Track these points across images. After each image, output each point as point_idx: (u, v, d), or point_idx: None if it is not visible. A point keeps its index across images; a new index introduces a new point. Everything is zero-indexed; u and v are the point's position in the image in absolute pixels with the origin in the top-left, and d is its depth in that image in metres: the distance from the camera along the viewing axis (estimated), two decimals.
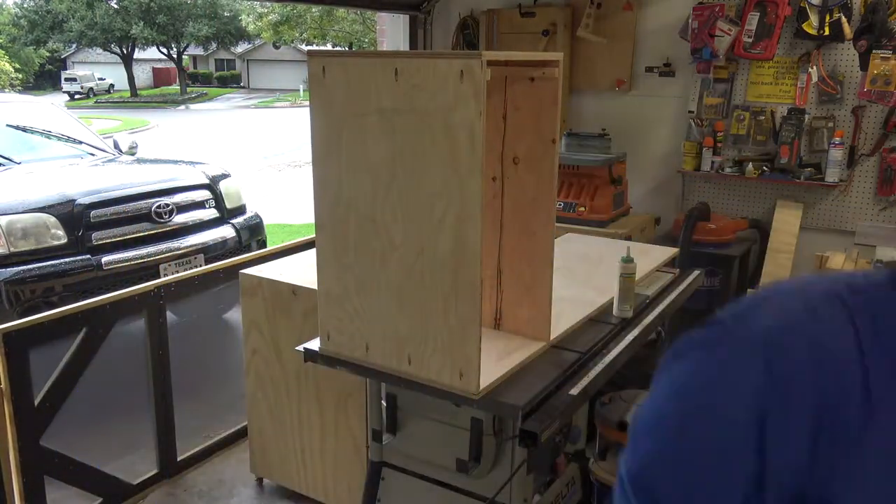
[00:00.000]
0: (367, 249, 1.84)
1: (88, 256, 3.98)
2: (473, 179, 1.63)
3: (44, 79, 40.73)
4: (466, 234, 1.67)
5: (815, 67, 3.74)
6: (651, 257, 2.85)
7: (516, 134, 2.01)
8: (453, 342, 1.75)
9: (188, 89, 37.91)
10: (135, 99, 35.71)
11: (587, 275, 2.64)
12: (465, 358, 1.74)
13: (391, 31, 5.15)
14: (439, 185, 1.68)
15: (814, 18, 3.63)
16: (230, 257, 3.91)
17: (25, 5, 32.78)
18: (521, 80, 1.96)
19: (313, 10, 21.40)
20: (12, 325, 2.56)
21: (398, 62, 1.68)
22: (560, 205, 3.96)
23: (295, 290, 2.77)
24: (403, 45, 4.94)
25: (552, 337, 2.08)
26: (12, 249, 3.78)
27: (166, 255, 4.26)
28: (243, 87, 42.91)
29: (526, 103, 1.97)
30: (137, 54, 36.82)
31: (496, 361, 1.89)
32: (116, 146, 5.61)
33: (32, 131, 5.30)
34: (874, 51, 3.48)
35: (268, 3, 26.04)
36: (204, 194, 4.72)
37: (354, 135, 1.79)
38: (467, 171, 1.64)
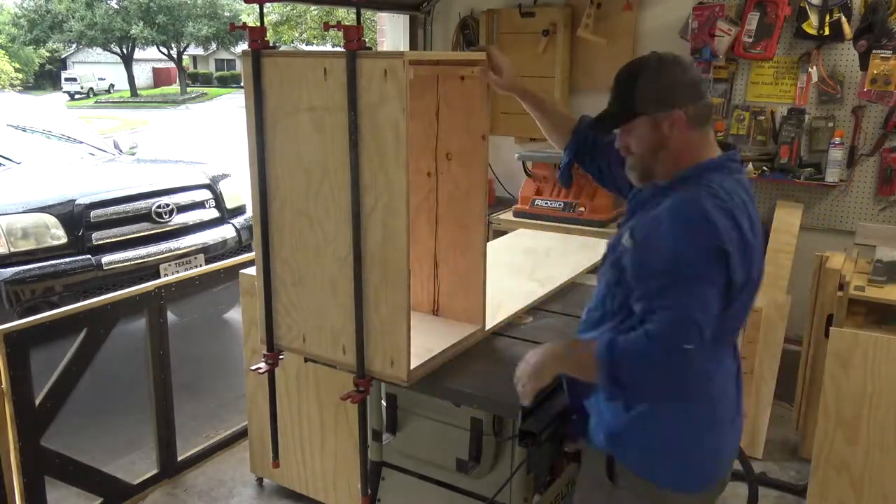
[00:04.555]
0: (303, 243, 1.89)
1: (88, 256, 3.98)
2: (399, 173, 1.68)
3: (44, 79, 40.70)
4: (394, 226, 1.72)
5: (815, 67, 3.74)
6: (598, 250, 2.92)
7: (449, 131, 2.08)
8: (385, 332, 1.80)
9: (188, 89, 37.88)
10: (135, 99, 35.69)
11: (532, 268, 2.74)
12: (396, 347, 1.79)
13: (391, 31, 5.15)
14: (368, 179, 1.73)
15: (814, 18, 3.63)
16: (230, 257, 3.91)
17: (25, 5, 32.74)
18: (452, 79, 2.02)
19: (313, 10, 21.40)
20: (13, 326, 2.56)
21: (327, 62, 1.73)
22: (560, 205, 3.96)
23: None
24: (403, 45, 4.94)
25: (490, 325, 2.16)
26: (12, 249, 3.78)
27: (166, 255, 4.26)
28: (244, 87, 42.88)
29: (457, 101, 2.04)
30: (137, 54, 36.79)
31: (428, 350, 1.94)
32: (116, 146, 5.61)
33: (32, 131, 5.31)
34: (874, 51, 3.48)
35: (268, 3, 26.02)
36: (204, 194, 4.72)
37: (287, 132, 1.84)
38: (394, 166, 1.69)
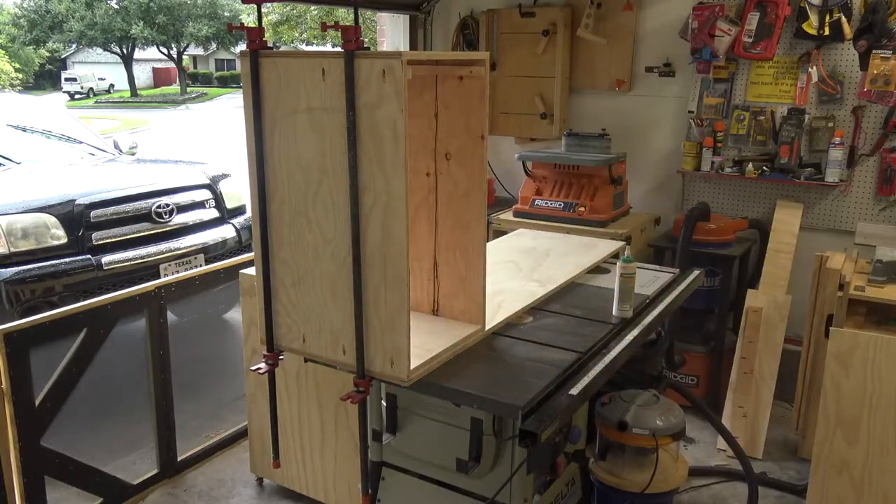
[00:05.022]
0: (302, 244, 1.90)
1: (88, 256, 3.98)
2: (398, 174, 1.68)
3: (44, 79, 40.71)
4: (393, 226, 1.72)
5: (815, 67, 3.74)
6: (597, 251, 2.97)
7: (448, 131, 2.08)
8: (384, 331, 1.80)
9: (188, 89, 37.88)
10: (135, 99, 35.69)
11: (531, 268, 2.74)
12: (396, 347, 1.79)
13: (391, 31, 5.15)
14: (366, 180, 1.73)
15: (814, 18, 3.63)
16: (230, 257, 3.91)
17: (25, 5, 32.73)
18: (450, 79, 2.02)
19: (313, 10, 21.40)
20: (13, 326, 2.56)
21: (325, 62, 1.73)
22: (560, 205, 3.96)
23: None
24: (403, 45, 4.94)
25: (489, 325, 2.16)
26: (12, 249, 3.78)
27: (166, 255, 4.27)
28: (242, 88, 42.83)
29: (456, 101, 2.04)
30: (137, 54, 36.79)
31: (428, 350, 1.94)
32: (117, 146, 5.61)
33: (32, 131, 5.31)
34: (874, 51, 3.48)
35: (268, 3, 26.01)
36: (204, 194, 4.72)
37: (286, 133, 1.85)
38: (392, 166, 1.69)
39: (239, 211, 4.95)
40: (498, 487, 1.95)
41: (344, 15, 21.88)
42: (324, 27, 1.82)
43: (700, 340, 3.93)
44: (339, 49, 1.76)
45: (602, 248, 3.00)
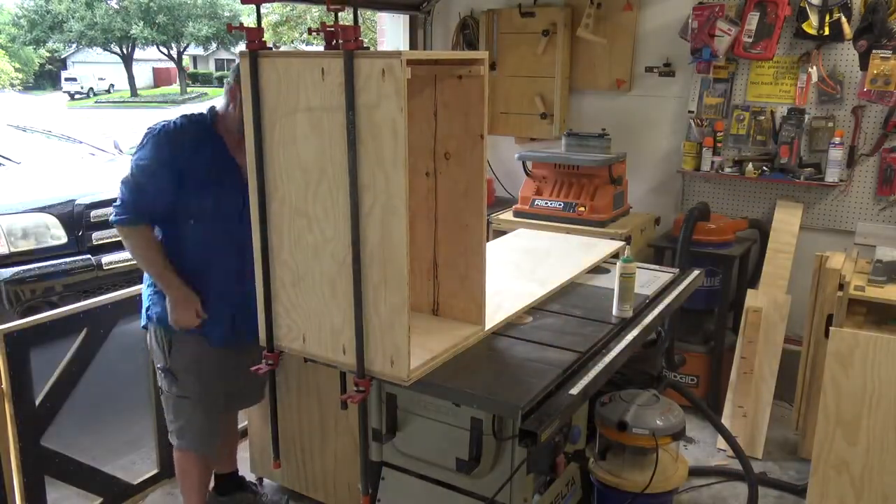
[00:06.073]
0: (302, 244, 1.90)
1: (88, 256, 3.98)
2: (398, 173, 1.68)
3: (44, 78, 40.68)
4: (393, 225, 1.72)
5: (815, 67, 3.74)
6: (597, 251, 2.97)
7: (447, 130, 2.08)
8: (384, 332, 1.80)
9: (188, 89, 37.85)
10: (135, 99, 35.67)
11: (532, 268, 2.74)
12: (395, 346, 1.79)
13: (391, 31, 5.15)
14: (366, 179, 1.73)
15: (814, 18, 3.63)
16: None
17: (25, 5, 32.71)
18: (449, 79, 2.02)
19: (313, 10, 21.40)
20: (13, 325, 2.56)
21: (325, 62, 1.73)
22: (560, 205, 3.96)
23: None
24: (403, 45, 4.94)
25: (489, 325, 2.16)
26: (12, 249, 3.78)
27: None
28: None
29: (455, 101, 2.04)
30: (137, 54, 36.77)
31: (428, 349, 1.94)
32: (117, 146, 5.62)
33: (33, 131, 5.31)
34: (874, 51, 3.48)
35: (267, 4, 25.99)
36: None
37: (286, 133, 1.85)
38: (391, 166, 1.69)
39: None
40: (498, 487, 1.95)
41: (344, 15, 21.83)
42: (324, 27, 1.82)
43: (700, 340, 3.93)
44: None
45: (602, 248, 3.00)
